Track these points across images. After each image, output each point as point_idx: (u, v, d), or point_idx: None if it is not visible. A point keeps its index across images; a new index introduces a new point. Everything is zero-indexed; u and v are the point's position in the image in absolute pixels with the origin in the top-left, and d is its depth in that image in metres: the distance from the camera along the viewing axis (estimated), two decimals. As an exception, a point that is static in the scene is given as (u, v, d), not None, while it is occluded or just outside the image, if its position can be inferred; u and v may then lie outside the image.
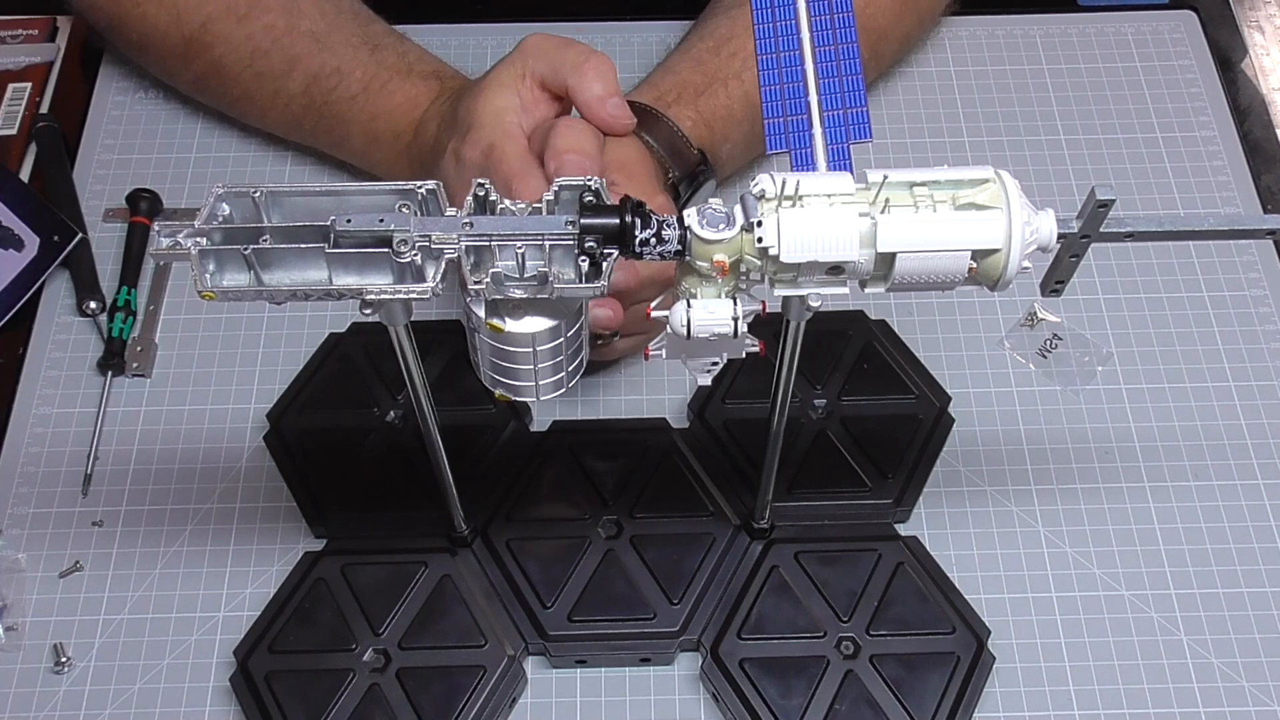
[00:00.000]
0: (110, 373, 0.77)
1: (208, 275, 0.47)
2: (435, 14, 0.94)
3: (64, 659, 0.68)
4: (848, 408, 0.74)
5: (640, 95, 0.78)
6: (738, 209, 0.48)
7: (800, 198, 0.47)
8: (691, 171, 0.76)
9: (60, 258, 0.81)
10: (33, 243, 0.80)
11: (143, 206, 0.83)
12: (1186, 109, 0.89)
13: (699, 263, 0.48)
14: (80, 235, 0.81)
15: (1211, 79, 0.90)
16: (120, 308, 0.79)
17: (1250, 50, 0.94)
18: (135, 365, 0.78)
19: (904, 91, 0.90)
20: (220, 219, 0.48)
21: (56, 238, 0.80)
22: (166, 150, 0.87)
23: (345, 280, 0.48)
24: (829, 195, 0.47)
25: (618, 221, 0.47)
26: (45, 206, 0.81)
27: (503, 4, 0.95)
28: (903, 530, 0.71)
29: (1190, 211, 0.84)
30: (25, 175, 0.86)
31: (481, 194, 0.49)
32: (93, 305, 0.79)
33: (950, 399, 0.74)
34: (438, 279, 0.47)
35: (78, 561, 0.71)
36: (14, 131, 0.88)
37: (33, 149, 0.87)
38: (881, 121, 0.88)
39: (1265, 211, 0.84)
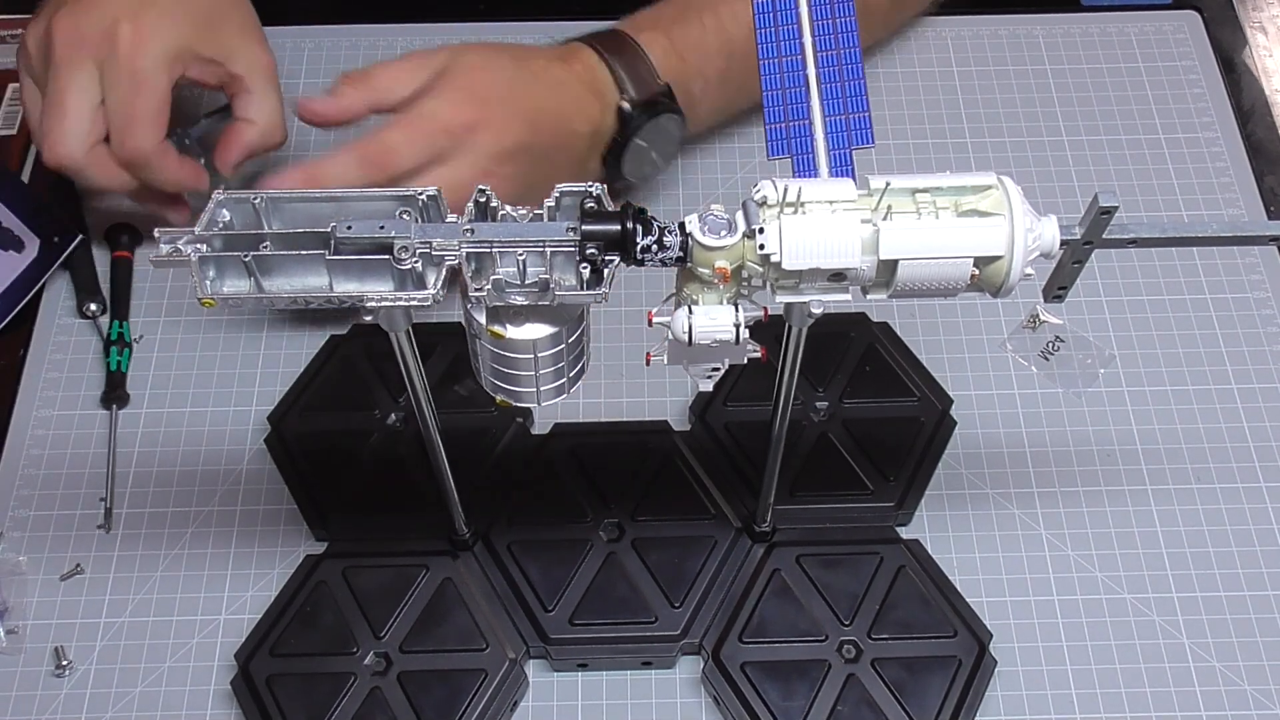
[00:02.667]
0: (115, 406, 0.76)
1: (208, 282, 0.47)
2: (436, 14, 0.94)
3: (65, 662, 0.68)
4: (850, 410, 0.74)
5: (616, 25, 0.77)
6: (739, 215, 0.47)
7: (802, 204, 0.47)
8: (651, 97, 0.75)
9: (61, 259, 0.80)
10: (33, 244, 0.80)
11: (123, 240, 0.81)
12: (1189, 109, 0.89)
13: (700, 269, 0.48)
14: (80, 236, 0.81)
15: (1214, 79, 0.90)
16: (114, 341, 0.78)
17: (1253, 51, 0.93)
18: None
19: (905, 92, 0.90)
20: (220, 225, 0.48)
21: (57, 239, 0.80)
22: (167, 151, 0.87)
23: (346, 287, 0.48)
24: (831, 202, 0.47)
25: (619, 228, 0.47)
26: (45, 207, 0.81)
27: (505, 4, 0.95)
28: (904, 533, 0.71)
29: (1193, 214, 0.84)
30: (25, 175, 0.86)
31: (483, 200, 0.49)
32: (93, 307, 0.79)
33: (952, 401, 0.74)
34: (439, 285, 0.47)
35: (79, 564, 0.71)
36: (14, 131, 0.88)
37: (33, 149, 0.87)
38: (883, 122, 0.88)
39: (1268, 213, 0.84)
